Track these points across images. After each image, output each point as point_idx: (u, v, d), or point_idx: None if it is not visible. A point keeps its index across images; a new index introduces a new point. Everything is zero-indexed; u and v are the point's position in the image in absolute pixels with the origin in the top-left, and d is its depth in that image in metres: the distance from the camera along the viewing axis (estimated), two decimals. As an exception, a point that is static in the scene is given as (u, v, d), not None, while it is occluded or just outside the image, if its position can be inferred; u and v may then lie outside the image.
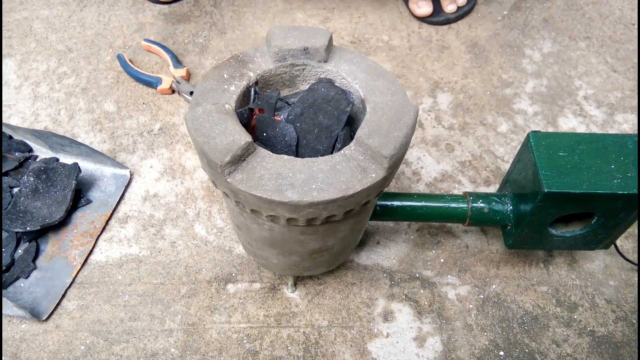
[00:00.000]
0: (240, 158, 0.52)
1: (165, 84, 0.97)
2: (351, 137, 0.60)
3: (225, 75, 0.60)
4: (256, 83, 0.61)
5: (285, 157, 0.53)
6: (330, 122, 0.57)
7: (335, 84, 0.62)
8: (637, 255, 0.80)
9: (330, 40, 0.62)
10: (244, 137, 0.52)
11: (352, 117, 0.62)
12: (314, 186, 0.51)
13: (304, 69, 0.63)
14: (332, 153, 0.57)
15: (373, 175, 0.53)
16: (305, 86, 0.65)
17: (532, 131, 0.67)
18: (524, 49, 1.08)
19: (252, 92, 0.60)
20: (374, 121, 0.55)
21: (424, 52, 1.06)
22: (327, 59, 0.62)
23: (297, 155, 0.58)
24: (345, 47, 0.64)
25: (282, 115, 0.60)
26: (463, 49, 1.07)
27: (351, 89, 0.61)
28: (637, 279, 0.78)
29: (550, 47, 1.08)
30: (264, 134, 0.58)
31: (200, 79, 0.58)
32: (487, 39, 1.09)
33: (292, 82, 0.65)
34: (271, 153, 0.53)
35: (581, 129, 0.95)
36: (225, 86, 0.59)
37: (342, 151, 0.54)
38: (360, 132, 0.53)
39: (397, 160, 0.54)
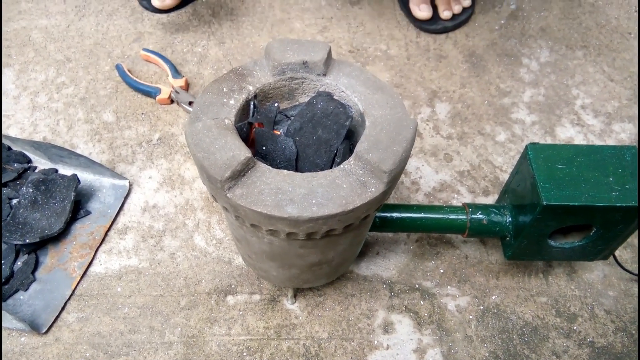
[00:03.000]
0: (240, 173, 0.52)
1: (164, 94, 0.97)
2: (350, 151, 0.60)
3: (224, 88, 0.60)
4: (255, 97, 0.61)
5: (285, 171, 0.53)
6: (330, 136, 0.58)
7: (334, 97, 0.62)
8: (636, 266, 0.80)
9: (329, 53, 0.62)
10: (244, 152, 0.52)
11: (351, 131, 0.62)
12: (313, 201, 0.51)
13: (303, 82, 0.63)
14: (331, 167, 0.58)
15: (372, 189, 0.53)
16: (304, 99, 0.65)
17: (531, 143, 0.67)
18: (522, 58, 1.08)
19: (252, 106, 0.61)
20: (373, 135, 0.55)
21: (422, 62, 1.07)
22: (326, 72, 0.63)
23: (296, 170, 0.58)
24: (344, 60, 0.64)
25: (281, 129, 0.60)
26: (461, 58, 1.08)
27: (350, 102, 0.61)
28: (636, 289, 0.78)
29: (547, 56, 1.09)
30: (264, 148, 0.59)
31: (200, 92, 0.59)
32: (485, 48, 1.10)
33: (291, 95, 0.65)
34: (271, 168, 0.53)
35: (579, 139, 0.95)
36: (225, 100, 0.59)
37: (341, 166, 0.54)
38: (359, 147, 0.54)
39: (396, 174, 0.54)
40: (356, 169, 0.54)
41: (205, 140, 0.53)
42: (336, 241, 0.60)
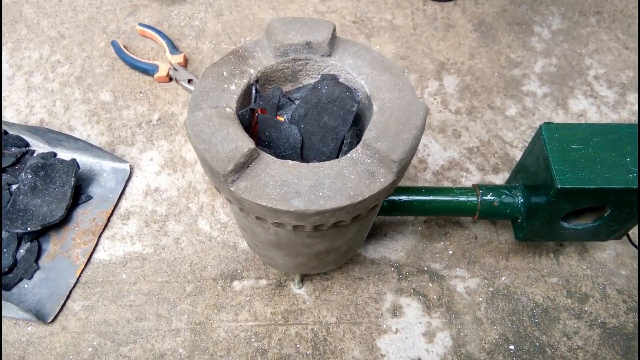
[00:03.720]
0: (243, 165, 0.50)
1: (162, 72, 0.94)
2: (358, 136, 0.58)
3: (224, 72, 0.58)
4: (257, 81, 0.58)
5: (290, 162, 0.51)
6: (336, 123, 0.55)
7: (340, 79, 0.59)
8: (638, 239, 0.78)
9: (334, 32, 0.59)
10: (247, 144, 0.50)
11: (358, 115, 0.59)
12: (320, 193, 0.49)
13: (306, 63, 0.60)
14: (338, 155, 0.55)
15: (382, 180, 0.51)
16: (308, 80, 0.62)
17: (545, 123, 0.64)
18: (533, 26, 1.04)
19: (254, 91, 0.58)
20: (381, 122, 0.52)
21: (429, 32, 1.03)
22: (331, 52, 0.59)
23: (301, 157, 0.56)
24: (349, 39, 0.61)
25: (285, 115, 0.58)
26: (469, 27, 1.03)
27: (357, 84, 0.58)
28: (648, 267, 0.77)
29: (559, 23, 1.04)
30: (267, 135, 0.56)
31: (199, 78, 0.56)
32: (495, 16, 1.05)
33: (294, 76, 0.62)
34: (275, 158, 0.51)
35: (592, 111, 0.92)
36: (225, 85, 0.57)
37: (349, 154, 0.52)
38: (367, 135, 0.51)
39: (406, 163, 0.52)
40: (364, 158, 0.51)
41: (206, 131, 0.51)
42: (344, 230, 0.58)
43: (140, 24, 1.00)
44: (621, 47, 1.01)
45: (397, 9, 1.06)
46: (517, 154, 0.87)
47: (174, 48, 0.98)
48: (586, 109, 0.93)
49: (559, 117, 0.91)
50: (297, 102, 0.60)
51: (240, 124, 0.53)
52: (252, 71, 0.58)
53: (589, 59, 0.99)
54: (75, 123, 0.91)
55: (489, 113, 0.92)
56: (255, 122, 0.59)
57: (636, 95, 0.94)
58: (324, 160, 0.55)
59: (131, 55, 0.96)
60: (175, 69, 0.95)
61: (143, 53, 0.99)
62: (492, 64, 0.98)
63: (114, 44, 0.97)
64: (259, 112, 0.57)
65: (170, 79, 0.96)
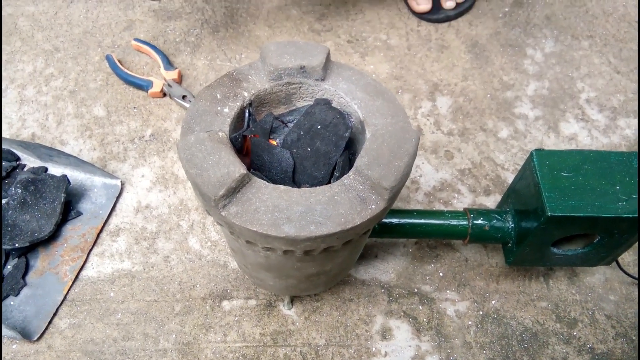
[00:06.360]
0: (234, 190, 0.50)
1: (156, 87, 0.94)
2: (350, 161, 0.58)
3: (218, 95, 0.58)
4: (250, 104, 0.58)
5: (282, 187, 0.51)
6: (328, 149, 0.55)
7: (333, 104, 0.59)
8: (637, 269, 0.79)
9: (328, 57, 0.60)
10: (239, 169, 0.50)
11: (351, 139, 0.59)
12: (311, 219, 0.49)
13: (300, 87, 0.60)
14: (330, 180, 0.55)
15: (373, 206, 0.51)
16: (301, 103, 0.62)
17: (536, 149, 0.65)
18: (526, 48, 1.05)
19: (247, 114, 0.58)
20: (374, 149, 0.52)
21: (423, 52, 1.03)
22: (325, 76, 0.60)
23: (293, 181, 0.56)
24: (343, 63, 0.61)
25: (277, 139, 0.58)
26: (463, 48, 1.04)
27: (350, 109, 0.58)
28: (637, 293, 0.77)
29: (552, 46, 1.05)
30: (260, 158, 0.56)
31: (193, 100, 0.56)
32: (488, 38, 1.06)
33: (288, 99, 0.62)
34: (267, 183, 0.51)
35: (583, 135, 0.93)
36: (219, 108, 0.57)
37: (341, 180, 0.52)
38: (359, 162, 0.51)
39: (398, 190, 0.52)
40: (356, 184, 0.52)
41: (198, 155, 0.51)
42: (335, 255, 0.58)
43: (136, 39, 1.00)
44: (612, 71, 1.02)
45: (391, 29, 1.07)
46: (509, 177, 0.87)
47: (169, 64, 0.98)
48: (577, 132, 0.93)
49: (550, 140, 0.92)
50: (290, 125, 0.61)
51: (233, 148, 0.53)
52: (245, 94, 0.58)
53: (580, 82, 1.00)
54: (67, 137, 0.90)
55: (481, 135, 0.92)
56: (248, 145, 0.59)
57: (626, 119, 0.95)
58: (316, 185, 0.55)
59: (125, 70, 0.96)
60: (169, 85, 0.95)
61: (138, 68, 0.99)
62: (485, 86, 0.99)
63: (108, 58, 0.97)
64: (252, 135, 0.57)
65: (164, 95, 0.96)
